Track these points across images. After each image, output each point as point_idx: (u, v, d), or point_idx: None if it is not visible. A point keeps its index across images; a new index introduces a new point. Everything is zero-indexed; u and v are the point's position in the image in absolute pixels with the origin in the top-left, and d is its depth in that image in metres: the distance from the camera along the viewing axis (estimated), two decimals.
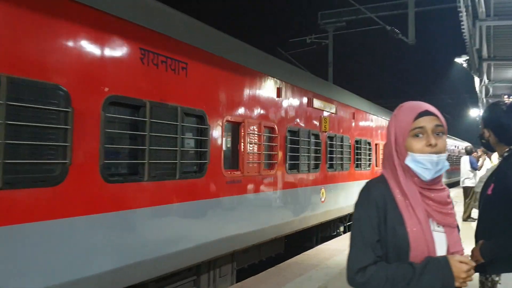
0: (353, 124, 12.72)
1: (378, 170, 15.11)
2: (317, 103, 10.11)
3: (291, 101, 8.97)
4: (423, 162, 1.91)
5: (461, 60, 17.70)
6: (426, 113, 1.95)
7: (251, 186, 7.28)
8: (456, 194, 25.70)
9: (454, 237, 1.98)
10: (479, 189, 2.89)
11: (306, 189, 9.50)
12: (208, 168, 6.13)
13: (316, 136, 10.14)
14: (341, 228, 12.54)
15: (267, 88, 8.01)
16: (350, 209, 12.47)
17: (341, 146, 11.54)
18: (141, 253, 4.94)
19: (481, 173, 14.59)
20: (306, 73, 11.15)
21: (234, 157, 7.06)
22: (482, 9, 9.81)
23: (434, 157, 1.91)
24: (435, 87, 77.23)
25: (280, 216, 8.28)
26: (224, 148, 6.56)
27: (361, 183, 11.42)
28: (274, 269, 8.16)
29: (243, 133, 7.00)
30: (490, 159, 14.44)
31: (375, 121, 15.15)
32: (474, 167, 14.03)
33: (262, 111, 7.74)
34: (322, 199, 10.15)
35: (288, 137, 8.67)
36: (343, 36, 24.30)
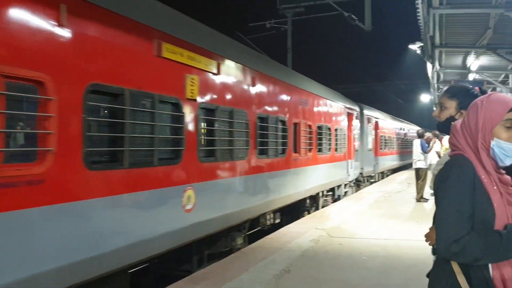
0: (254, 93, 8.42)
1: (299, 158, 10.80)
2: (172, 52, 5.79)
3: (98, 37, 4.60)
4: (506, 150, 2.15)
5: (415, 47, 18.03)
6: None
7: None
8: (409, 176, 24.43)
9: None
10: (436, 171, 2.95)
11: (146, 195, 5.32)
12: None
13: (175, 107, 5.91)
14: (239, 240, 8.14)
15: None
16: (251, 213, 8.39)
17: (230, 124, 7.38)
18: None
19: (432, 155, 15.18)
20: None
21: None
22: None
23: None
24: (390, 73, 78.69)
25: (75, 250, 4.21)
26: None
27: (268, 176, 9.20)
28: (237, 253, 7.56)
29: None
30: (441, 142, 14.99)
31: (293, 93, 10.62)
32: (424, 150, 14.00)
33: None
34: (188, 207, 6.16)
35: (89, 104, 4.41)
36: (302, 21, 24.15)
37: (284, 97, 10.14)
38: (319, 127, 12.54)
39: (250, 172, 8.25)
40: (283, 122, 9.82)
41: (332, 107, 14.29)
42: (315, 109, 12.47)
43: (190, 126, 6.28)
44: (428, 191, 13.90)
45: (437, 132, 15.27)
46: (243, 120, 7.95)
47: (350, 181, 17.21)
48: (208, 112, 6.86)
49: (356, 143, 17.67)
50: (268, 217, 9.48)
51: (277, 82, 9.76)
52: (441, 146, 13.80)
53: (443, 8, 10.15)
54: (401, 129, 31.81)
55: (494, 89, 21.11)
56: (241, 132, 7.82)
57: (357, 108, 18.53)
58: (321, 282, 6.00)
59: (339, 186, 15.53)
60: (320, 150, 12.59)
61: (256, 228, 9.23)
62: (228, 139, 7.39)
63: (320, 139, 12.60)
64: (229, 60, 7.59)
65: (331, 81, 33.22)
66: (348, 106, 16.57)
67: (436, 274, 2.23)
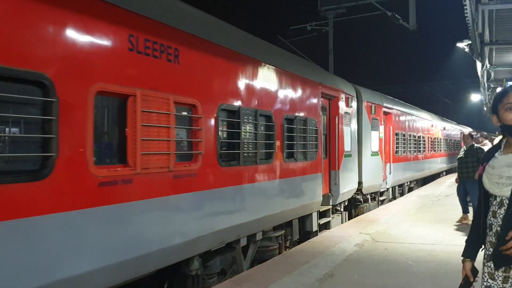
0: None
1: (148, 177, 4.91)
2: None
3: None
4: None
5: (463, 45, 17.40)
6: None
7: None
8: None
9: None
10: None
11: None
12: None
13: None
14: None
15: None
16: None
17: None
18: None
19: None
20: None
21: None
22: None
23: None
24: (437, 73, 76.80)
25: None
26: None
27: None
28: (280, 257, 7.60)
29: None
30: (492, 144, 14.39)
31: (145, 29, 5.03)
32: None
33: None
34: None
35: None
36: (344, 23, 24.03)
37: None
38: (231, 112, 6.68)
39: None
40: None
41: (279, 79, 8.13)
42: (229, 78, 6.71)
43: None
44: None
45: (485, 133, 14.74)
46: None
47: (337, 204, 11.23)
48: None
49: (348, 145, 11.72)
50: None
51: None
52: None
53: (493, 4, 9.84)
54: (433, 126, 24.58)
55: None
56: None
57: (349, 91, 11.99)
58: (366, 287, 5.95)
59: (305, 218, 9.45)
60: (233, 159, 6.69)
61: None
62: None
63: (231, 136, 6.73)
64: None
65: (374, 82, 32.78)
66: (324, 84, 10.20)
67: None
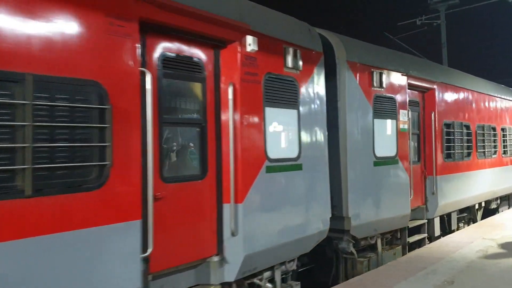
0: None
1: None
2: None
3: None
4: None
5: None
6: None
7: None
8: None
9: None
10: None
11: None
12: None
13: None
14: None
15: None
16: None
17: None
18: None
19: None
20: None
21: None
22: None
23: None
24: None
25: None
26: None
27: None
28: (394, 262, 7.36)
29: None
30: None
31: None
32: None
33: None
34: None
35: None
36: (457, 14, 22.62)
37: None
38: None
39: None
40: None
41: None
42: None
43: None
44: None
45: None
46: None
47: (247, 278, 5.51)
48: None
49: (281, 146, 6.06)
50: None
51: None
52: None
53: None
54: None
55: None
56: None
57: (289, 37, 6.12)
58: None
59: None
60: None
61: None
62: None
63: None
64: None
65: (497, 74, 30.16)
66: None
67: None
